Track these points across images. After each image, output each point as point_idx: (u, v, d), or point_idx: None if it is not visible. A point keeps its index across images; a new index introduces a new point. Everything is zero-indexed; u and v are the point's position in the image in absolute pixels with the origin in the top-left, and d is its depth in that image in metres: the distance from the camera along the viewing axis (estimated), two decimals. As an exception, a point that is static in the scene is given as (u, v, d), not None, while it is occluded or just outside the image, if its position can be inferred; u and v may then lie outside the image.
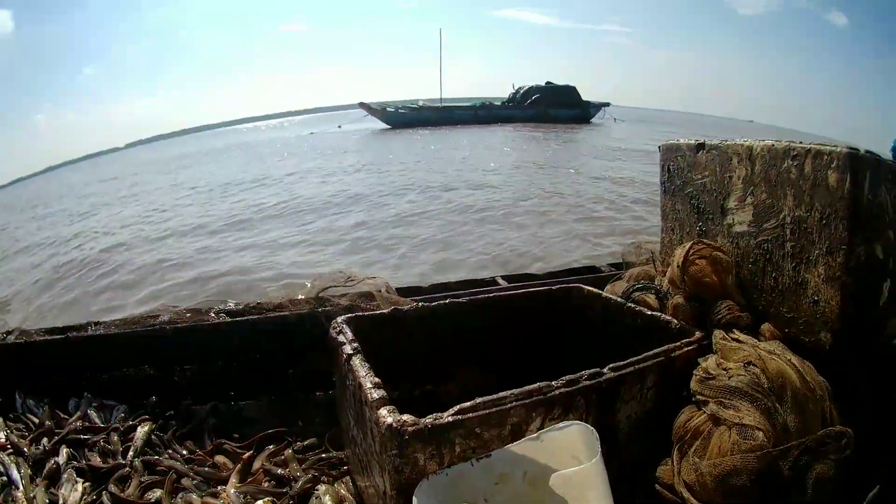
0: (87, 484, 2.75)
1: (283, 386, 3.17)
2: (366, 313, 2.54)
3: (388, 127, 34.25)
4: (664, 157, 2.54)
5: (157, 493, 2.60)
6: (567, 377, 1.77)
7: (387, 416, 1.58)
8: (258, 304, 3.28)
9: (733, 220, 2.26)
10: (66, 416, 3.22)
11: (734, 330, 2.12)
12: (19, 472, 2.86)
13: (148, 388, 3.31)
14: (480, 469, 1.59)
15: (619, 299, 2.40)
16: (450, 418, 1.55)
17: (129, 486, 2.65)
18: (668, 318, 2.16)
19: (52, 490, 2.70)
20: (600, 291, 2.53)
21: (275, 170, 22.68)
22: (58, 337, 3.42)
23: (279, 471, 2.65)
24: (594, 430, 1.61)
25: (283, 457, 2.75)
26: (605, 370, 1.84)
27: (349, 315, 2.42)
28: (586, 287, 2.58)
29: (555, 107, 31.02)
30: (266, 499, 2.45)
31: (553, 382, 1.74)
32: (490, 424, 1.60)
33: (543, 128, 28.54)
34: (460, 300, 2.60)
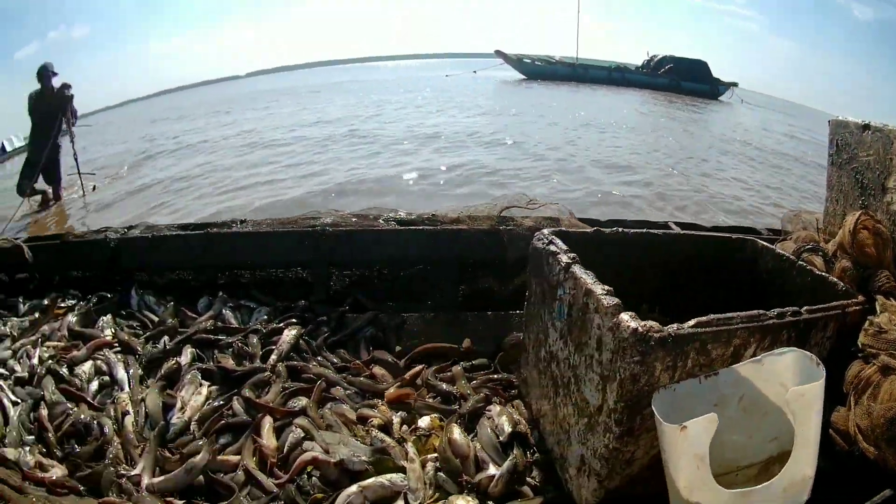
0: (213, 387, 2.68)
1: (452, 301, 3.05)
2: (571, 229, 2.48)
3: (523, 77, 34.03)
4: (833, 132, 2.59)
5: (302, 401, 2.49)
6: (775, 310, 1.78)
7: (629, 321, 1.54)
8: (433, 215, 3.15)
9: (892, 198, 2.37)
10: (194, 315, 3.15)
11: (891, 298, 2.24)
12: (127, 373, 2.82)
13: (298, 291, 3.20)
14: (707, 387, 1.56)
15: (791, 256, 2.43)
16: (689, 329, 1.53)
17: (267, 392, 2.55)
18: (835, 279, 2.22)
19: (170, 392, 2.64)
20: (773, 247, 2.54)
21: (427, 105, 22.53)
22: (195, 233, 3.33)
23: (445, 387, 2.56)
24: (814, 356, 1.60)
25: (450, 373, 2.65)
26: (802, 310, 1.86)
27: (555, 229, 2.34)
28: (760, 241, 2.60)
29: (686, 79, 30.99)
30: (433, 415, 2.39)
31: (766, 312, 1.75)
32: (719, 342, 1.58)
33: (678, 99, 28.02)
34: (654, 232, 2.53)
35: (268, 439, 2.34)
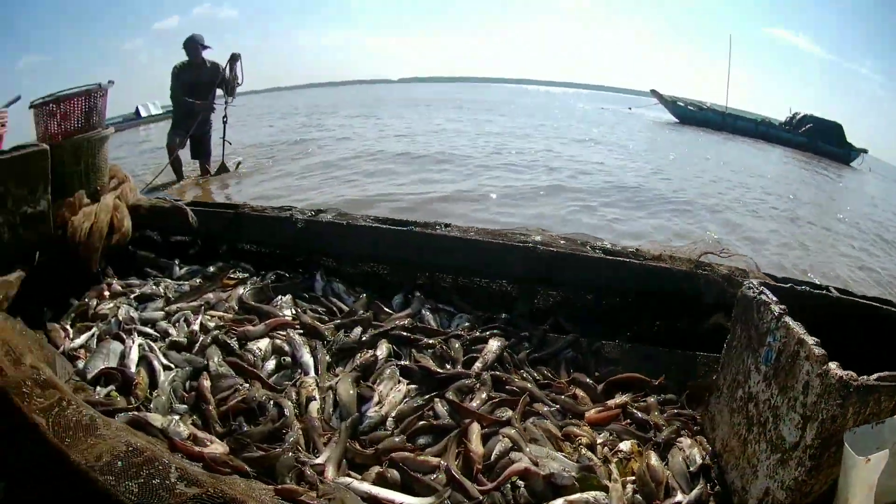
0: (411, 386, 2.58)
1: (648, 335, 3.05)
2: (773, 283, 2.52)
3: (676, 120, 34.05)
4: None
5: (507, 412, 2.39)
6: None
7: (836, 369, 1.69)
8: (637, 249, 3.17)
9: None
10: (389, 311, 3.09)
11: None
12: (314, 357, 2.72)
13: (498, 303, 3.21)
14: (875, 432, 1.69)
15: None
16: (873, 381, 1.65)
17: (471, 399, 2.45)
18: None
19: (368, 384, 2.54)
20: None
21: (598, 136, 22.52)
22: (396, 228, 3.35)
23: (640, 415, 2.55)
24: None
25: (644, 403, 2.65)
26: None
27: (762, 281, 2.42)
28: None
29: (824, 141, 30.60)
30: (632, 441, 2.39)
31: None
32: (891, 395, 1.69)
33: (815, 160, 27.37)
34: (832, 295, 2.56)
35: (476, 445, 2.24)
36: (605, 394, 2.69)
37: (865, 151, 31.99)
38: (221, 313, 3.14)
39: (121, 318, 3.10)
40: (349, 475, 2.15)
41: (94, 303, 3.32)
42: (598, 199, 9.90)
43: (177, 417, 2.38)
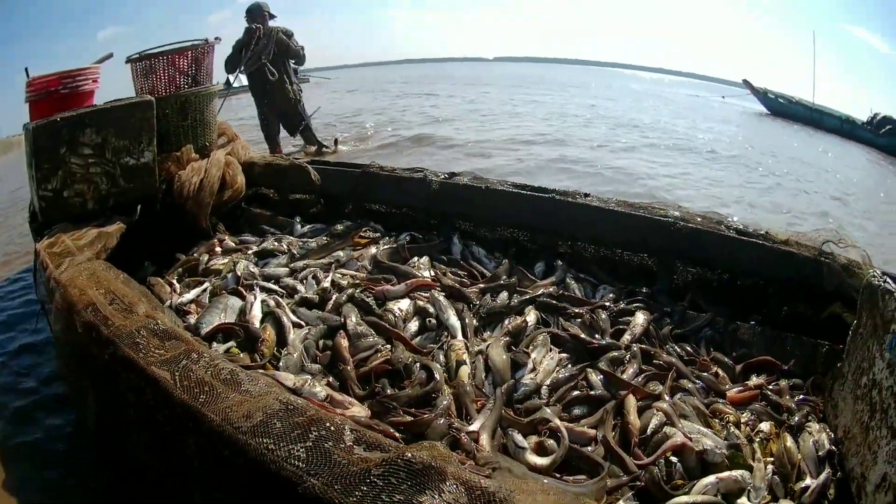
0: (563, 354, 2.60)
1: (774, 318, 3.02)
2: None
3: (766, 112, 33.09)
4: None
5: (657, 386, 2.42)
6: None
7: None
8: (766, 232, 3.11)
9: None
10: (533, 278, 3.13)
11: None
12: (462, 320, 2.70)
13: (636, 276, 3.23)
14: None
15: None
16: None
17: (622, 371, 2.49)
18: None
19: (523, 350, 2.56)
20: None
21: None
22: (538, 195, 3.33)
23: (775, 397, 2.54)
24: None
25: (777, 387, 2.65)
26: None
27: (886, 271, 2.44)
28: None
29: None
30: (770, 422, 2.40)
31: None
32: None
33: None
34: None
35: (633, 418, 2.27)
36: (742, 374, 2.71)
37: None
38: (353, 272, 3.13)
39: (239, 272, 3.09)
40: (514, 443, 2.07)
41: (206, 258, 3.35)
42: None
43: (310, 378, 2.27)
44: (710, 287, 3.14)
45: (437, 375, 2.34)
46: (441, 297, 2.83)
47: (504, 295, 2.93)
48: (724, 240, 3.07)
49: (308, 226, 3.80)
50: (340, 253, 3.34)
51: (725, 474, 2.07)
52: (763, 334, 2.92)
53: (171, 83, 3.58)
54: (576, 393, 2.40)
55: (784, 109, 31.83)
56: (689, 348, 2.79)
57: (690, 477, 2.06)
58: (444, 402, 2.20)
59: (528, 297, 2.90)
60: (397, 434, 2.03)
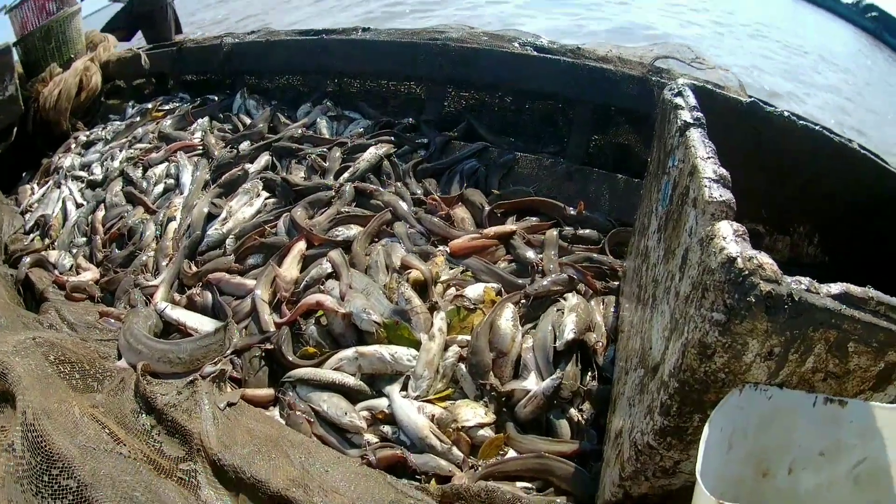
0: (270, 200, 2.30)
1: (578, 151, 2.55)
2: (717, 90, 1.76)
3: None
4: None
5: (352, 230, 2.01)
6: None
7: (730, 235, 0.85)
8: (578, 48, 2.58)
9: None
10: (287, 122, 2.83)
11: None
12: (192, 177, 2.53)
13: (409, 108, 2.89)
14: (821, 417, 0.89)
15: None
16: (829, 300, 0.81)
17: (321, 214, 2.11)
18: None
19: (216, 202, 2.35)
20: None
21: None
22: (311, 38, 3.10)
23: (529, 254, 2.01)
24: None
25: (542, 236, 2.07)
26: None
27: (695, 82, 1.65)
28: None
29: None
30: (490, 285, 1.87)
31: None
32: (870, 344, 0.84)
33: None
34: (832, 137, 1.69)
35: (287, 269, 1.90)
36: (495, 218, 2.16)
37: None
38: (147, 145, 3.12)
39: (64, 166, 3.24)
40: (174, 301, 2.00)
41: (57, 158, 3.50)
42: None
43: (67, 253, 2.47)
44: (492, 114, 2.69)
45: (147, 234, 2.38)
46: (183, 157, 2.75)
47: (246, 144, 2.67)
48: (508, 58, 2.57)
49: (137, 107, 3.81)
50: (139, 130, 3.35)
51: (370, 349, 1.60)
52: (555, 168, 2.36)
53: (42, 10, 3.96)
54: (251, 243, 2.09)
55: None
56: (434, 186, 2.34)
57: (339, 345, 1.67)
58: (141, 261, 2.25)
59: (262, 143, 2.62)
60: (97, 293, 2.20)
